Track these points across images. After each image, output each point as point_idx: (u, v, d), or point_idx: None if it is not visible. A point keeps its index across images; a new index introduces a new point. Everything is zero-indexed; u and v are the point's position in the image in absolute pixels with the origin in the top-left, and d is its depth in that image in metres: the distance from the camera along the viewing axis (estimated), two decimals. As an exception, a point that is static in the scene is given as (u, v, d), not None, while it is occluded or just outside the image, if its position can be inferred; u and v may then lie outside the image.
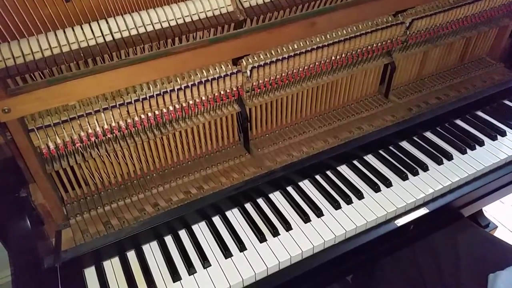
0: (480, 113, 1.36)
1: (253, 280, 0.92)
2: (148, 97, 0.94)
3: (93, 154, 0.96)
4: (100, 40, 0.85)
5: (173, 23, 0.90)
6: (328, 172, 1.16)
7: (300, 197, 1.09)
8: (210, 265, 0.94)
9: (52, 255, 0.91)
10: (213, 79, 0.98)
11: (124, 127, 0.95)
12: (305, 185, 1.13)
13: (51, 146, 0.90)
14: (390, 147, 1.23)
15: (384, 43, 1.18)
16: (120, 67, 0.86)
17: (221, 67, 0.99)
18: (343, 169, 1.17)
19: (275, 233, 1.00)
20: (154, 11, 0.88)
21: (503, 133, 1.27)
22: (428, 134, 1.28)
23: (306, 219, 1.02)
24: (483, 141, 1.23)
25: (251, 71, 1.02)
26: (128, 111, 0.93)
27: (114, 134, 0.96)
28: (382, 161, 1.18)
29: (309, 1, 1.01)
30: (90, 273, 0.94)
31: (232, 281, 0.91)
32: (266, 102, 1.12)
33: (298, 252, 0.96)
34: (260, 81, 1.05)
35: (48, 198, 0.96)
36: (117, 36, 0.86)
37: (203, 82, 0.98)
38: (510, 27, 1.45)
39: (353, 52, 1.14)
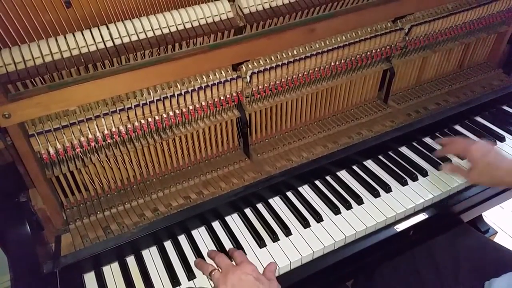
0: (479, 119, 1.36)
1: (252, 285, 0.92)
2: (148, 103, 0.94)
3: (93, 159, 0.96)
4: (101, 45, 0.85)
5: (173, 29, 0.91)
6: (328, 178, 1.16)
7: (300, 202, 1.09)
8: (210, 271, 0.94)
9: (51, 260, 0.91)
10: (213, 84, 0.99)
11: (124, 132, 0.96)
12: (305, 190, 1.13)
13: (51, 151, 0.90)
14: (390, 153, 1.23)
15: (383, 49, 1.18)
16: (121, 73, 0.86)
17: (221, 73, 1.00)
18: (343, 174, 1.17)
19: (275, 238, 1.00)
20: (155, 17, 0.89)
21: (502, 139, 1.27)
22: (428, 140, 1.28)
23: (305, 224, 1.02)
24: (482, 146, 1.23)
25: (250, 76, 1.03)
26: (128, 116, 0.93)
27: (114, 139, 0.96)
28: (382, 167, 1.18)
29: (309, 8, 1.01)
30: (90, 278, 0.94)
31: (231, 287, 0.91)
32: (266, 108, 1.13)
33: (297, 258, 0.95)
34: (260, 87, 1.05)
35: (47, 203, 0.96)
36: (118, 42, 0.87)
37: (203, 87, 0.98)
38: (508, 33, 1.46)
39: (352, 58, 1.15)
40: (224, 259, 0.89)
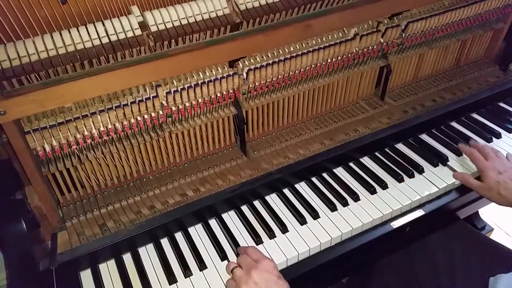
0: (475, 116, 1.37)
1: (249, 282, 0.92)
2: (144, 99, 0.94)
3: (89, 156, 0.96)
4: (97, 42, 0.85)
5: (169, 25, 0.90)
6: (324, 174, 1.16)
7: (297, 199, 1.09)
8: (206, 268, 0.94)
9: (47, 258, 0.91)
10: (210, 81, 0.98)
11: (120, 129, 0.95)
12: (302, 187, 1.13)
13: (47, 148, 0.90)
14: (386, 149, 1.23)
15: (379, 45, 1.18)
16: (117, 69, 0.86)
17: (218, 69, 1.00)
18: (339, 171, 1.17)
19: (271, 235, 1.00)
20: (150, 13, 0.88)
21: (498, 135, 1.27)
22: (424, 137, 1.28)
23: (302, 221, 1.02)
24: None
25: (247, 73, 1.03)
26: (124, 113, 0.93)
27: (110, 136, 0.96)
28: (378, 163, 1.19)
29: (305, 4, 1.01)
30: (86, 276, 0.93)
31: (228, 283, 0.91)
32: (263, 104, 1.13)
33: (294, 254, 0.96)
34: (257, 83, 1.05)
35: (44, 201, 0.96)
36: (113, 38, 0.86)
37: (200, 84, 0.98)
38: (505, 30, 1.47)
39: (349, 55, 1.15)
40: (245, 258, 0.88)
